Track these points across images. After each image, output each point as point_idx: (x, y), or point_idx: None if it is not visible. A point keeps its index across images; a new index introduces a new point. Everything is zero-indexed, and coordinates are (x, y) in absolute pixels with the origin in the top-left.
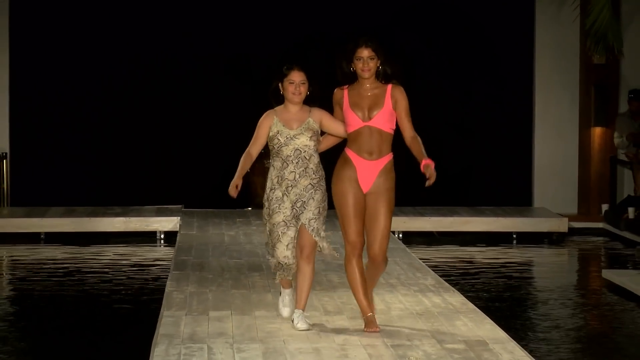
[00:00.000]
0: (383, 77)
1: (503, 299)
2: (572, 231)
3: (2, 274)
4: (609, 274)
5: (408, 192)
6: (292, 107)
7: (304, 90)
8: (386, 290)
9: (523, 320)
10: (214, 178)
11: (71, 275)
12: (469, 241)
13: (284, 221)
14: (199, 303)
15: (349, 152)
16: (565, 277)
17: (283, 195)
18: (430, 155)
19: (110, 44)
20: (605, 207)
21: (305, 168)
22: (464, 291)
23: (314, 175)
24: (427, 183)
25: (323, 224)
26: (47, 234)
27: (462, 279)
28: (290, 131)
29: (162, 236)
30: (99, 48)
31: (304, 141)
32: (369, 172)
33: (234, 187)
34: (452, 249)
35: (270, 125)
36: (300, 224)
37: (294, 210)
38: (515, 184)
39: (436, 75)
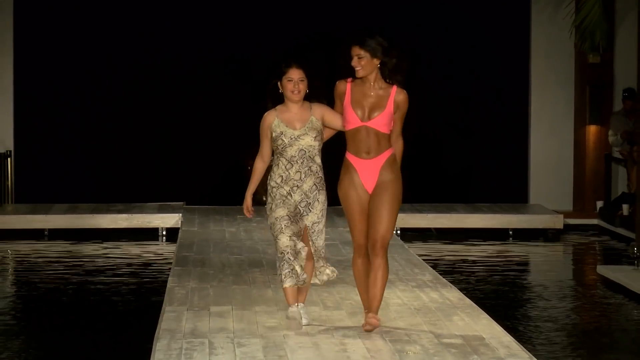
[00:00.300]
0: (388, 75)
1: (499, 295)
2: (568, 227)
3: (7, 270)
4: (603, 270)
5: (406, 189)
6: (293, 106)
7: (303, 87)
8: None
9: (519, 315)
10: (215, 176)
11: (74, 271)
12: (466, 237)
13: (287, 215)
14: (200, 298)
15: (349, 156)
16: (560, 273)
17: (288, 194)
18: (428, 153)
19: (112, 44)
20: (599, 204)
21: (310, 168)
22: (461, 287)
23: (317, 174)
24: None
25: (324, 227)
26: (50, 230)
27: (459, 275)
28: (294, 131)
29: (164, 233)
30: (101, 48)
31: (309, 141)
32: (371, 170)
33: (247, 209)
34: (450, 245)
35: (272, 126)
36: (304, 225)
37: (298, 209)
38: (512, 181)
39: (434, 75)
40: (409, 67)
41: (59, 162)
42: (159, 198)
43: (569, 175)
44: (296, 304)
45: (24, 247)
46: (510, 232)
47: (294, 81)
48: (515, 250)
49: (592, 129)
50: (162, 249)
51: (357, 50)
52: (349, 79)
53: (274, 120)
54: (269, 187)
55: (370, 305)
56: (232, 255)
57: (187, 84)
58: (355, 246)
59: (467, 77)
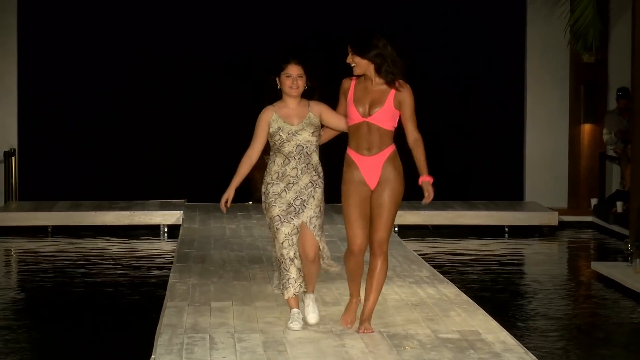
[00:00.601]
0: (384, 74)
1: (495, 290)
2: (562, 224)
3: (11, 266)
4: (598, 266)
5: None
6: (291, 102)
7: (301, 83)
8: None
9: (515, 310)
10: (216, 173)
11: (77, 267)
12: (463, 234)
13: (278, 215)
14: (201, 294)
15: (350, 152)
16: (555, 269)
17: (282, 192)
18: (427, 152)
19: (113, 44)
20: (594, 201)
21: (307, 164)
22: (457, 283)
23: (314, 172)
24: (424, 201)
25: (322, 223)
26: (54, 227)
27: (456, 271)
28: (291, 127)
29: (166, 229)
30: (103, 49)
31: (306, 137)
32: (373, 167)
33: (224, 201)
34: (446, 242)
35: (269, 121)
36: (300, 222)
37: (291, 207)
38: (507, 178)
39: (431, 74)
40: (404, 67)
41: (62, 161)
42: (161, 195)
43: (564, 173)
44: (298, 310)
45: (28, 243)
46: (506, 229)
47: (293, 77)
48: (511, 246)
49: (586, 128)
50: (164, 245)
51: (350, 48)
52: (354, 77)
53: (271, 116)
54: (264, 185)
55: (364, 307)
56: (233, 252)
57: (189, 84)
58: (348, 249)
59: (463, 77)
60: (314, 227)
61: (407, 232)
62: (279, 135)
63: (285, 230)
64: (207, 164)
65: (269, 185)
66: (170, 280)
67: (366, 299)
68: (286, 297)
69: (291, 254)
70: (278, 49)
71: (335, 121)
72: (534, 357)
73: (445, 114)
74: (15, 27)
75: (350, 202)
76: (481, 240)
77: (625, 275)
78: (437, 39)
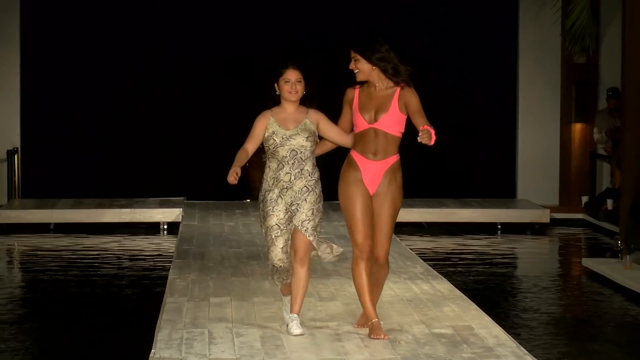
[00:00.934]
0: (390, 78)
1: (488, 286)
2: (554, 222)
3: (14, 263)
4: (588, 263)
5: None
6: (289, 107)
7: (300, 88)
8: None
9: (507, 306)
10: (215, 172)
11: (79, 263)
12: (457, 231)
13: (277, 224)
14: (200, 290)
15: (354, 154)
16: (547, 265)
17: (277, 198)
18: (420, 150)
19: (115, 44)
20: (585, 199)
21: (301, 169)
22: (451, 279)
23: (309, 177)
24: (419, 138)
25: (318, 225)
26: (56, 224)
27: (450, 267)
28: (286, 131)
29: (166, 227)
30: (104, 49)
31: (300, 142)
32: (374, 172)
33: (234, 174)
34: (441, 238)
35: (266, 126)
36: (293, 226)
37: (289, 213)
38: (500, 177)
39: (428, 74)
40: (408, 72)
41: (64, 159)
42: (161, 193)
43: (556, 171)
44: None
45: (31, 240)
46: (499, 226)
47: (292, 82)
48: (504, 243)
49: (577, 127)
50: (164, 242)
51: (352, 53)
52: (357, 86)
53: (269, 120)
54: (261, 192)
55: (372, 309)
56: (231, 249)
57: (189, 83)
58: (356, 247)
59: (457, 76)
60: (305, 230)
61: (402, 229)
62: (273, 139)
63: (285, 237)
64: (206, 163)
65: (267, 193)
66: (170, 277)
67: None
68: (279, 286)
69: (288, 261)
70: (278, 49)
71: (332, 132)
72: (526, 351)
73: (439, 113)
74: (18, 26)
75: (353, 201)
76: (474, 237)
77: (615, 271)
78: (437, 39)
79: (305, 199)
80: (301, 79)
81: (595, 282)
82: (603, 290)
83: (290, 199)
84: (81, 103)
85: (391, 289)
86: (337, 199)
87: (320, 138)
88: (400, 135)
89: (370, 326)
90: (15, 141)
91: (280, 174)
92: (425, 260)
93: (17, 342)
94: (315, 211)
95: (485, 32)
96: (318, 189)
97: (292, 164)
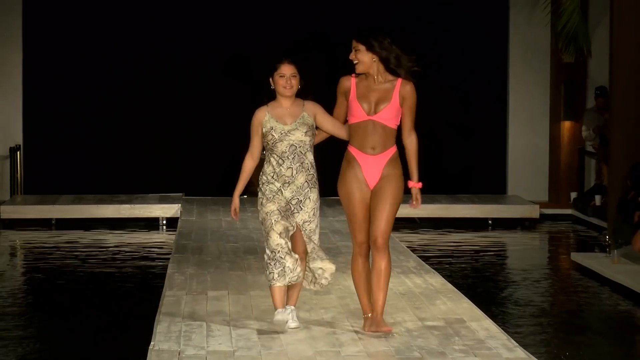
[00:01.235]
0: (391, 70)
1: (479, 280)
2: (543, 217)
3: (16, 258)
4: (577, 257)
5: None
6: (285, 102)
7: (295, 83)
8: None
9: (498, 299)
10: (213, 169)
11: (80, 258)
12: (448, 226)
13: (278, 210)
14: (198, 284)
15: (352, 150)
16: (536, 260)
17: (278, 190)
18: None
19: (115, 43)
20: (573, 195)
21: (302, 163)
22: (443, 273)
23: (309, 171)
24: (411, 206)
25: (317, 226)
26: (57, 220)
27: (442, 262)
28: (284, 126)
29: (164, 222)
30: (105, 48)
31: (299, 136)
32: (374, 167)
33: (233, 211)
34: (433, 233)
35: (262, 121)
36: (295, 223)
37: (289, 206)
38: (491, 173)
39: (425, 73)
40: (413, 63)
41: (66, 156)
42: (160, 189)
43: (545, 168)
44: (284, 308)
45: (33, 235)
46: (490, 222)
47: (286, 77)
48: (494, 238)
49: (566, 125)
50: (163, 237)
51: (354, 43)
52: (353, 75)
53: (264, 116)
54: (260, 183)
55: (375, 307)
56: (229, 243)
57: (189, 82)
58: (356, 245)
59: (450, 76)
60: (305, 230)
61: (395, 224)
62: (272, 135)
63: (282, 224)
64: (204, 159)
65: (265, 184)
66: (169, 271)
67: (376, 300)
68: (278, 284)
69: (288, 246)
70: (278, 47)
71: (329, 125)
72: (516, 344)
73: (432, 111)
74: (20, 25)
75: (353, 200)
76: (466, 232)
77: (603, 265)
78: (437, 39)
79: (309, 197)
80: (296, 73)
81: (584, 276)
82: (591, 284)
83: (291, 193)
84: (82, 101)
85: None
86: (333, 195)
87: (317, 128)
88: (396, 127)
89: (364, 320)
90: (18, 138)
91: (281, 169)
92: (417, 254)
93: (18, 335)
94: (316, 210)
95: (477, 33)
96: (317, 185)
97: (292, 158)
